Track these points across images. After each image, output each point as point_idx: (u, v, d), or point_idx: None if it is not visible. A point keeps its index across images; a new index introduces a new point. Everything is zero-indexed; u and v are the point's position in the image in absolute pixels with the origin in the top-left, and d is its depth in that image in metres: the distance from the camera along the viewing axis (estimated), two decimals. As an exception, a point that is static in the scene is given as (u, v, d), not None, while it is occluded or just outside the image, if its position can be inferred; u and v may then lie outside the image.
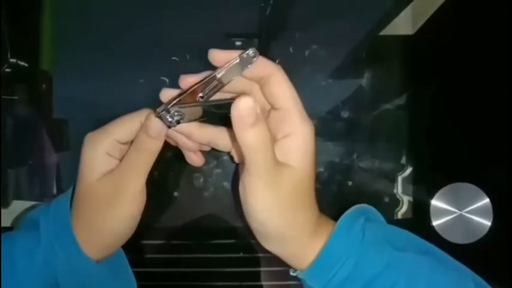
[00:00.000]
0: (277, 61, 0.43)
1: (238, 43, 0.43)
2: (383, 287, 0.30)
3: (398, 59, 0.44)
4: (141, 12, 0.43)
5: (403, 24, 0.44)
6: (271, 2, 0.43)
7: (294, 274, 0.33)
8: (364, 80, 0.44)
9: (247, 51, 0.30)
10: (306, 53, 0.44)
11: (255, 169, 0.29)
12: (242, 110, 0.26)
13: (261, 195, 0.29)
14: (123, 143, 0.34)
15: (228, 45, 0.42)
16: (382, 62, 0.44)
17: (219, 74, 0.31)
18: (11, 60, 0.41)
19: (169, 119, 0.32)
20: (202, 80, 0.31)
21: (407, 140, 0.45)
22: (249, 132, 0.27)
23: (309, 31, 0.43)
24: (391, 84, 0.44)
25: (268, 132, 0.28)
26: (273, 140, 0.30)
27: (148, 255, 0.42)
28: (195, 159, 0.36)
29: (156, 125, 0.32)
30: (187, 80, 0.31)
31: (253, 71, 0.31)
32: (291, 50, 0.43)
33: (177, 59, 0.43)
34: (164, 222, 0.42)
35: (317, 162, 0.32)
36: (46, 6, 0.44)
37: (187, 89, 0.31)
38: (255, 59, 0.30)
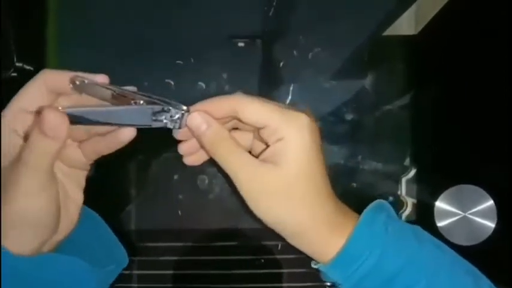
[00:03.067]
0: (281, 63, 0.43)
1: (241, 44, 0.43)
2: (404, 283, 0.30)
3: (401, 60, 0.44)
4: (146, 15, 0.43)
5: (406, 25, 0.44)
6: (274, 4, 0.43)
7: (315, 266, 0.33)
8: (368, 82, 0.44)
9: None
10: (309, 55, 0.44)
11: (234, 170, 0.30)
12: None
13: (261, 200, 0.30)
14: (30, 112, 0.30)
15: (231, 46, 0.42)
16: (385, 63, 0.44)
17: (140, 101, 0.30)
18: (17, 64, 0.41)
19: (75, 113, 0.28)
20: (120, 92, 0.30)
21: (411, 142, 0.44)
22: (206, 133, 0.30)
23: (312, 33, 0.43)
24: (394, 85, 0.44)
25: (224, 130, 0.31)
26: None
27: (153, 258, 0.43)
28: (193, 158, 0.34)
29: (53, 119, 0.27)
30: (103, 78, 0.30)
31: (220, 113, 0.31)
32: (294, 52, 0.43)
33: (181, 62, 0.43)
34: (169, 225, 0.42)
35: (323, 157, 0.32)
36: (50, 10, 0.45)
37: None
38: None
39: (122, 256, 0.37)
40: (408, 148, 0.45)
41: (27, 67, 0.43)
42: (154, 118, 0.30)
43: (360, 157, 0.45)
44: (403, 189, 0.45)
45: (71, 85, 0.29)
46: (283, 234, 0.32)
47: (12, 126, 0.30)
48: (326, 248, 0.31)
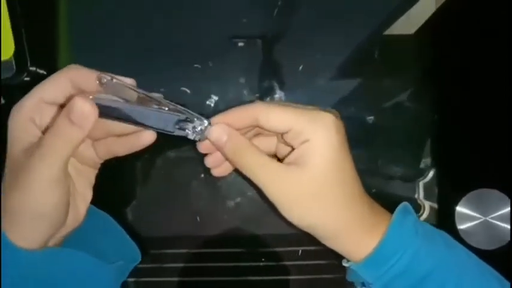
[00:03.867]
0: (282, 68, 0.43)
1: (240, 44, 0.42)
2: (434, 284, 0.30)
3: (417, 60, 0.44)
4: (160, 17, 0.43)
5: (402, 24, 0.44)
6: (279, 3, 0.42)
7: (347, 265, 0.33)
8: (376, 82, 0.44)
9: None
10: (312, 55, 0.43)
11: (260, 178, 0.30)
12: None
13: (291, 206, 0.30)
14: (51, 104, 0.30)
15: (231, 46, 0.42)
16: (390, 62, 0.44)
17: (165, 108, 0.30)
18: (31, 68, 0.41)
19: (105, 104, 0.28)
20: (149, 96, 0.30)
21: (430, 145, 0.44)
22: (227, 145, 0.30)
23: (314, 33, 0.43)
24: (411, 86, 0.44)
25: (245, 139, 0.31)
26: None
27: (173, 264, 0.42)
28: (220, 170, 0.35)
29: (83, 108, 0.27)
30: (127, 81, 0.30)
31: (241, 123, 0.31)
32: (297, 52, 0.43)
33: (199, 66, 0.42)
34: (187, 231, 0.42)
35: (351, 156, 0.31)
36: (61, 14, 0.44)
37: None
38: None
39: (133, 252, 0.37)
40: (426, 152, 0.45)
41: (41, 71, 0.42)
42: (178, 126, 0.30)
43: (376, 160, 0.45)
44: (420, 193, 0.45)
45: (98, 82, 0.29)
46: (317, 236, 0.32)
47: (31, 115, 0.29)
48: (359, 247, 0.31)
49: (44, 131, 0.30)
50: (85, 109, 0.27)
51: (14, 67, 0.38)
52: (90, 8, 0.44)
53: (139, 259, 0.37)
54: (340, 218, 0.31)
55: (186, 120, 0.30)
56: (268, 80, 0.43)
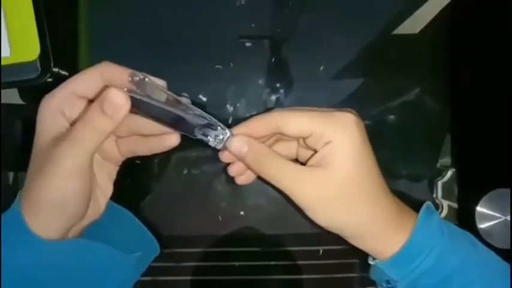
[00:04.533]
0: (289, 68, 0.43)
1: (248, 44, 0.43)
2: (460, 283, 0.30)
3: (432, 56, 0.44)
4: (180, 18, 0.43)
5: (408, 24, 0.44)
6: (291, 3, 0.43)
7: (372, 263, 0.33)
8: (391, 83, 0.44)
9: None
10: (318, 55, 0.43)
11: (283, 183, 0.30)
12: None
13: (316, 208, 0.30)
14: (82, 97, 0.30)
15: (238, 46, 0.43)
16: (412, 62, 0.44)
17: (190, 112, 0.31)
18: (54, 69, 0.41)
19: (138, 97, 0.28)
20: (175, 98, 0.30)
21: (450, 145, 0.45)
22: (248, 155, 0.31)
23: (320, 34, 0.43)
24: (427, 85, 0.44)
25: (264, 147, 0.31)
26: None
27: (191, 263, 0.42)
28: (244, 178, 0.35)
29: (116, 98, 0.27)
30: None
31: (262, 132, 0.32)
32: (301, 54, 0.43)
33: (221, 67, 0.43)
34: (206, 231, 0.42)
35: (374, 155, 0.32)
36: (82, 15, 0.44)
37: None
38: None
39: (152, 245, 0.37)
40: (442, 150, 0.45)
41: (63, 72, 0.42)
42: (201, 132, 0.31)
43: (392, 159, 0.45)
44: (438, 192, 0.45)
45: (130, 79, 0.29)
46: (344, 236, 0.32)
47: (61, 106, 0.30)
48: (385, 246, 0.32)
49: (72, 124, 0.30)
50: (118, 100, 0.27)
51: (39, 68, 0.38)
52: (110, 10, 0.44)
53: (158, 252, 0.38)
54: (368, 217, 0.31)
55: (210, 127, 0.31)
56: (285, 80, 0.43)
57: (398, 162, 0.44)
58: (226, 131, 0.31)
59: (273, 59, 0.43)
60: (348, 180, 0.30)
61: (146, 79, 0.29)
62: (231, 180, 0.43)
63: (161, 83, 0.31)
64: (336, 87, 0.43)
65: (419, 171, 0.45)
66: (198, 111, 0.31)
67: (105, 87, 0.30)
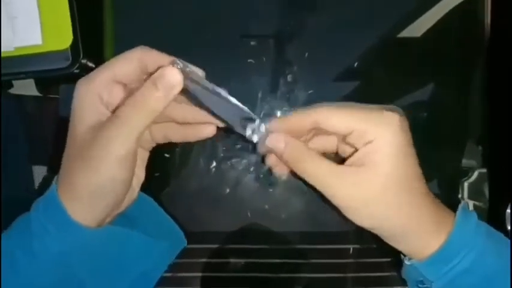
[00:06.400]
0: (294, 68, 0.43)
1: (252, 43, 0.42)
2: (503, 285, 0.30)
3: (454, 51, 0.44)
4: (207, 11, 0.43)
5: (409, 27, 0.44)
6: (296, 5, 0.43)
7: (408, 263, 0.33)
8: (394, 84, 0.44)
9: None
10: (320, 56, 0.43)
11: (320, 182, 0.30)
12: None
13: (354, 207, 0.30)
14: (119, 82, 0.30)
15: (242, 45, 0.42)
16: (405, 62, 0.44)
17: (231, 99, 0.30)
18: (82, 61, 0.40)
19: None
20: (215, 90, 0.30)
21: (473, 145, 0.44)
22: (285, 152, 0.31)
23: (325, 35, 0.43)
24: (447, 85, 0.44)
25: (302, 145, 0.31)
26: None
27: (218, 260, 0.42)
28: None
29: (172, 76, 0.27)
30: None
31: (302, 128, 0.31)
32: (306, 54, 0.43)
33: (253, 61, 0.42)
34: (236, 226, 0.42)
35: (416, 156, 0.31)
36: (107, 6, 0.44)
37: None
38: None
39: (177, 235, 0.37)
40: (469, 151, 0.45)
41: (90, 64, 0.42)
42: (241, 124, 0.31)
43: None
44: (465, 193, 0.45)
45: (171, 66, 0.28)
46: (382, 235, 0.32)
47: (100, 91, 0.29)
48: (424, 246, 0.31)
49: (113, 111, 0.29)
50: (174, 79, 0.27)
51: (70, 58, 0.38)
52: (136, 2, 0.44)
53: (185, 243, 0.37)
54: (408, 217, 0.30)
55: (250, 119, 0.31)
56: (291, 80, 0.43)
57: (430, 162, 0.44)
58: (264, 124, 0.31)
59: (280, 59, 0.43)
60: (389, 182, 0.30)
61: (187, 68, 0.29)
62: (258, 176, 0.43)
63: (200, 72, 0.30)
64: (344, 88, 0.43)
65: (441, 172, 0.45)
66: (237, 103, 0.30)
67: (146, 74, 0.30)
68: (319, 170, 0.30)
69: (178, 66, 0.28)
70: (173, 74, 0.27)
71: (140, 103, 0.28)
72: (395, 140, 0.30)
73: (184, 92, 0.29)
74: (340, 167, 0.30)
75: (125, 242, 0.32)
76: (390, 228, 0.31)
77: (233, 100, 0.30)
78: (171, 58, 0.29)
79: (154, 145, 0.34)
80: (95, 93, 0.29)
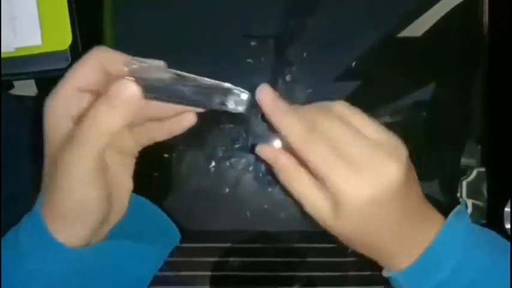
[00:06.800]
0: (294, 68, 0.43)
1: (253, 43, 0.42)
2: None
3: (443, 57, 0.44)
4: (207, 12, 0.43)
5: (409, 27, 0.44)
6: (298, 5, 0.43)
7: (387, 275, 0.33)
8: (395, 84, 0.44)
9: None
10: (320, 56, 0.43)
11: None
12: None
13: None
14: (85, 91, 0.28)
15: (242, 45, 0.43)
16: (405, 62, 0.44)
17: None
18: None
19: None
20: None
21: (472, 145, 0.44)
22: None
23: (325, 35, 0.43)
24: (446, 85, 0.44)
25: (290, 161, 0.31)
26: None
27: (222, 259, 0.42)
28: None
29: (126, 89, 0.25)
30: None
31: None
32: (304, 54, 0.43)
33: (251, 61, 0.42)
34: (236, 226, 0.42)
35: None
36: (107, 6, 0.44)
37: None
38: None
39: (172, 233, 0.37)
40: (468, 150, 0.45)
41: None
42: (218, 100, 0.29)
43: (416, 158, 0.45)
44: (463, 192, 0.45)
45: (126, 68, 0.26)
46: (357, 250, 0.32)
47: (67, 107, 0.27)
48: (398, 261, 0.31)
49: (77, 123, 0.27)
50: (129, 91, 0.25)
51: (70, 58, 0.38)
52: (136, 2, 0.44)
53: (178, 240, 0.37)
54: (383, 233, 0.30)
55: (227, 94, 0.29)
56: (291, 81, 0.43)
57: (428, 161, 0.44)
58: (245, 92, 0.29)
59: (279, 59, 0.43)
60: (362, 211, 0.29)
61: (144, 64, 0.26)
62: (258, 175, 0.43)
63: (160, 63, 0.27)
64: (343, 88, 0.43)
65: (440, 172, 0.45)
66: (209, 80, 0.28)
67: (106, 75, 0.28)
68: (303, 191, 0.31)
69: (134, 66, 0.26)
70: (126, 87, 0.25)
71: (93, 125, 0.26)
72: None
73: (148, 91, 0.27)
74: (321, 195, 0.30)
75: (118, 254, 0.31)
76: (360, 244, 0.32)
77: (204, 79, 0.28)
78: (127, 58, 0.27)
79: (140, 149, 0.33)
80: (60, 111, 0.28)
